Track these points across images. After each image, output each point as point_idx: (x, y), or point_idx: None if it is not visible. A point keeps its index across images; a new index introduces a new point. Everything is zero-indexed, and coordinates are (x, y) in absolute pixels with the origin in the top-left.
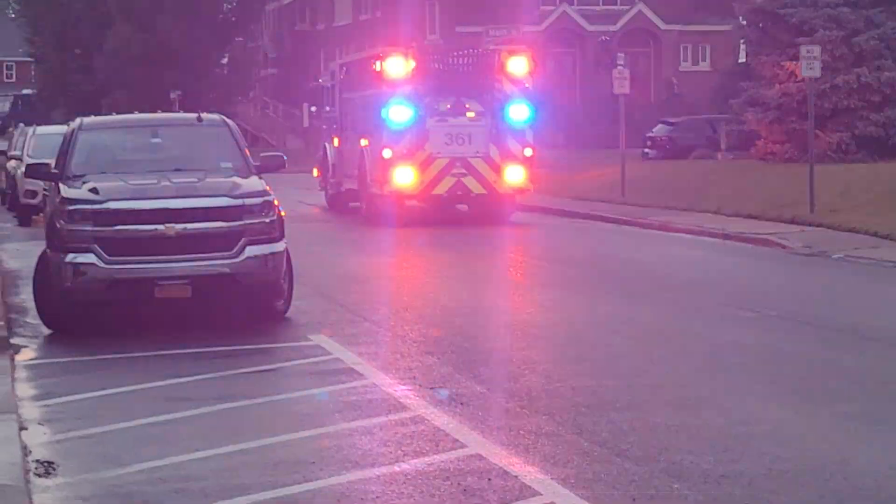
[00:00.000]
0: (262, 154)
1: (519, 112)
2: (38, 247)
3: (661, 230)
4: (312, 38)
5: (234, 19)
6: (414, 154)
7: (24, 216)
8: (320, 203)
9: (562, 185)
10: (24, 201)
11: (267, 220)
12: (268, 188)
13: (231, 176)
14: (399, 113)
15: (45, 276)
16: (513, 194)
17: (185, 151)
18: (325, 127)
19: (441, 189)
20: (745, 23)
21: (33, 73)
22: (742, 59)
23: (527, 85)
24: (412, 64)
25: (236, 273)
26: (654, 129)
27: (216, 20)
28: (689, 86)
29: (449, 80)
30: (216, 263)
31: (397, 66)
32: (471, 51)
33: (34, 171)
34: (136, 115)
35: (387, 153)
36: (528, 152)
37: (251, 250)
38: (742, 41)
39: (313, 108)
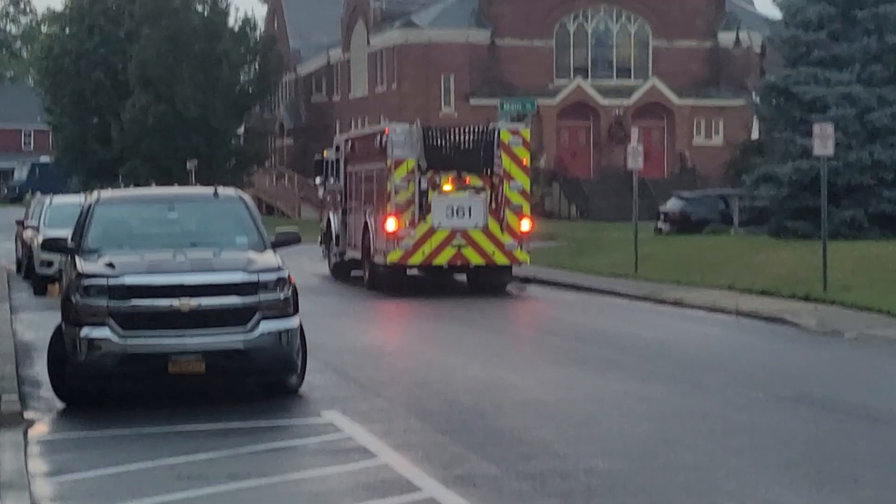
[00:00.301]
0: (277, 229)
1: (517, 187)
2: (53, 317)
3: (675, 306)
4: (328, 110)
5: (251, 90)
6: (416, 226)
7: (40, 286)
8: (324, 272)
9: (574, 259)
10: (40, 271)
11: (281, 296)
12: (282, 263)
13: (246, 251)
14: (402, 186)
15: (60, 349)
16: (510, 265)
17: (200, 226)
18: (329, 198)
19: (441, 259)
20: (758, 99)
21: (51, 141)
22: (755, 135)
23: (525, 161)
24: (416, 140)
25: (250, 349)
26: (667, 203)
27: (234, 91)
28: (702, 160)
29: (451, 155)
30: (230, 339)
31: (401, 142)
32: (472, 128)
33: (51, 244)
34: (153, 190)
35: (390, 225)
36: (526, 225)
37: (265, 326)
38: (755, 117)
39: (318, 180)
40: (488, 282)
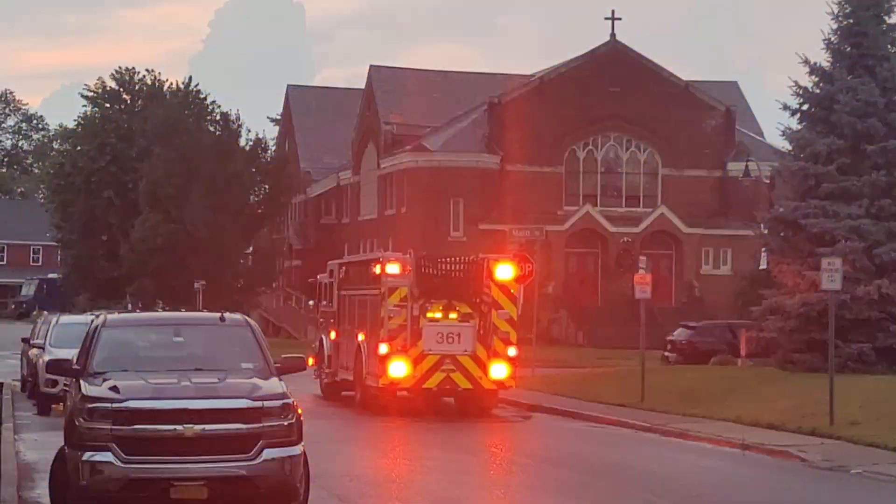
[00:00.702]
0: (283, 356)
1: (504, 315)
2: (57, 438)
3: (680, 438)
4: (337, 231)
5: (261, 211)
6: (407, 350)
7: (44, 405)
8: (315, 391)
9: (580, 387)
10: (44, 390)
11: (285, 423)
12: (287, 391)
13: (251, 377)
14: (395, 312)
15: (62, 472)
16: (496, 390)
17: (206, 351)
18: (321, 320)
19: (431, 383)
20: (766, 230)
21: (59, 257)
22: (763, 266)
23: (512, 290)
24: (409, 269)
25: (253, 476)
26: (674, 333)
27: (243, 211)
28: (710, 289)
29: (441, 284)
30: (233, 465)
31: (395, 270)
32: (461, 258)
33: (56, 367)
34: (159, 314)
35: (383, 349)
36: (513, 352)
37: (269, 453)
38: (763, 248)
39: (311, 302)
40: (475, 405)
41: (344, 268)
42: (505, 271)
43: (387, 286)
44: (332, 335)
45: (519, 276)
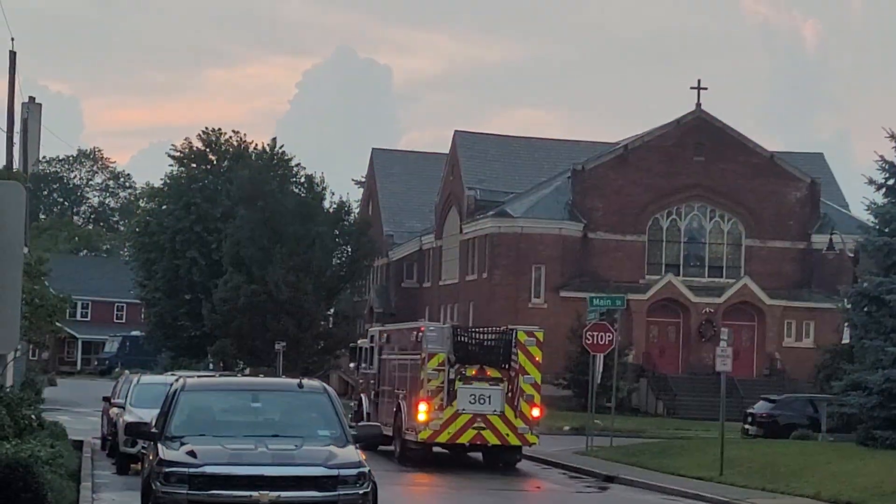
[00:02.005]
0: (360, 424)
1: (530, 380)
2: (134, 498)
3: None
4: (418, 295)
5: (342, 273)
6: (444, 409)
7: (123, 464)
8: None
9: (658, 458)
10: (124, 449)
11: (360, 492)
12: (363, 459)
13: (328, 444)
14: (433, 375)
15: None
16: (521, 446)
17: (284, 417)
18: (361, 381)
19: (464, 439)
20: (849, 304)
21: (143, 315)
22: (846, 340)
23: (538, 358)
24: (446, 337)
25: None
26: (755, 406)
27: (325, 274)
28: (792, 361)
29: (475, 351)
30: None
31: (434, 337)
32: (493, 328)
33: (133, 429)
34: (238, 379)
35: (422, 408)
36: (536, 413)
37: None
38: (846, 322)
39: (352, 365)
40: (501, 459)
41: (385, 335)
42: (532, 340)
43: (427, 352)
44: (372, 394)
45: (597, 346)
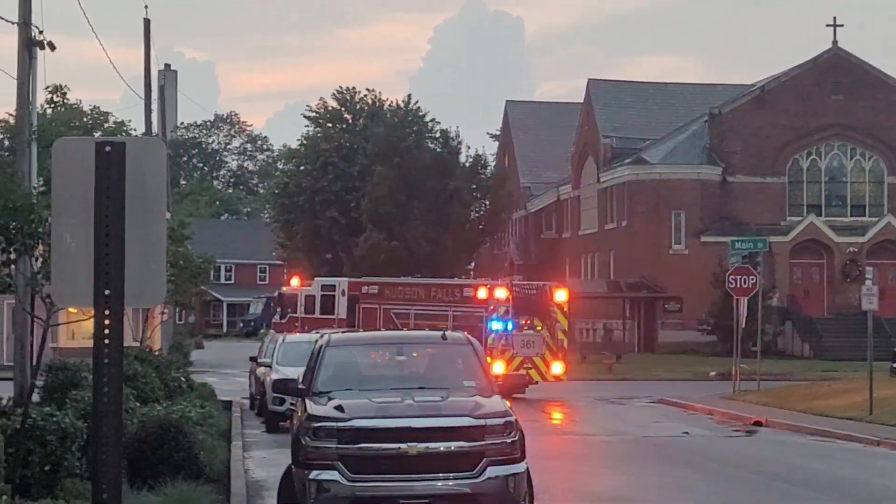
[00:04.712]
0: (505, 373)
1: (560, 327)
2: (284, 455)
3: None
4: (558, 246)
5: (481, 227)
6: (503, 353)
7: (272, 423)
8: None
9: (807, 400)
10: (272, 408)
11: (508, 441)
12: (509, 408)
13: (473, 395)
14: (498, 325)
15: (290, 490)
16: (553, 380)
17: (428, 370)
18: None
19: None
20: None
21: (285, 276)
22: None
23: (565, 309)
24: (506, 293)
25: (478, 494)
26: None
27: (464, 228)
28: None
29: (525, 305)
30: (457, 483)
31: (500, 294)
32: (535, 285)
33: (281, 386)
34: (382, 332)
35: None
36: (561, 356)
37: (492, 471)
38: None
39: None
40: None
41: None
42: (561, 295)
43: (493, 305)
44: None
45: (740, 290)
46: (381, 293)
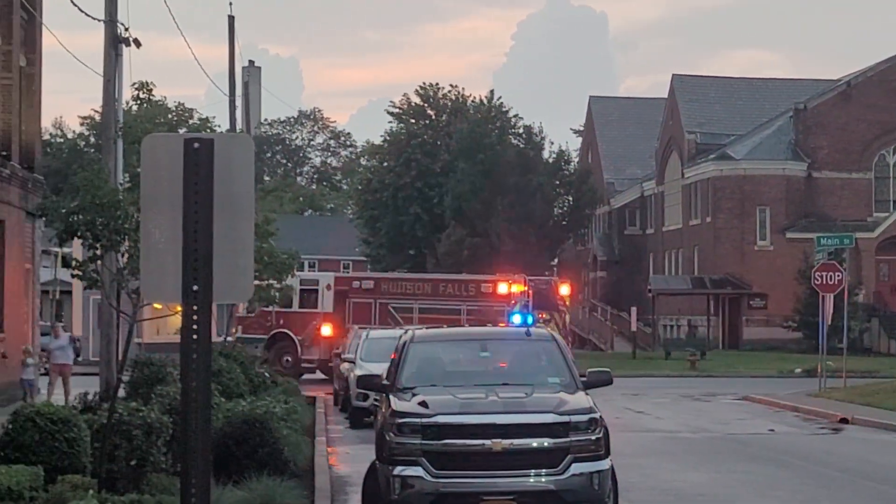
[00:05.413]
0: (589, 370)
1: (565, 318)
2: (368, 451)
3: None
4: (642, 242)
5: (564, 223)
6: None
7: (356, 418)
8: None
9: (893, 397)
10: (356, 404)
11: (593, 437)
12: (594, 405)
13: (558, 391)
14: (518, 319)
15: (374, 486)
16: None
17: (512, 366)
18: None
19: None
20: None
21: (368, 271)
22: None
23: (567, 302)
24: (526, 288)
25: (561, 490)
26: None
27: (547, 224)
28: None
29: (538, 297)
30: (542, 480)
31: (520, 289)
32: (545, 279)
33: (366, 382)
34: (466, 329)
35: None
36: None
37: (577, 467)
38: None
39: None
40: None
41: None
42: (565, 289)
43: (512, 299)
44: None
45: (826, 286)
46: (376, 288)
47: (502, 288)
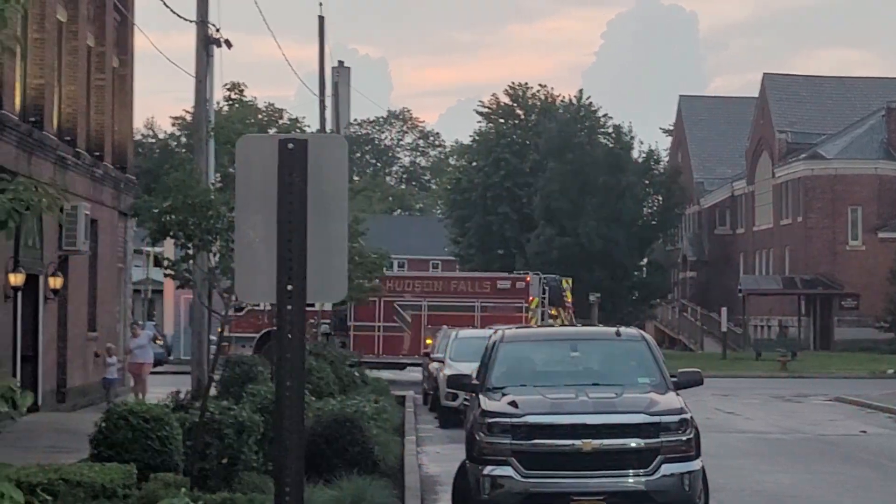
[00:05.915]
0: (679, 370)
1: (571, 315)
2: (458, 450)
3: None
4: (732, 242)
5: (654, 223)
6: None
7: (445, 418)
8: None
9: None
10: (445, 403)
11: (683, 438)
12: (685, 405)
13: (648, 392)
14: (534, 313)
15: (464, 485)
16: None
17: (602, 366)
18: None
19: None
20: None
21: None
22: None
23: (570, 299)
24: (539, 285)
25: (652, 491)
26: None
27: (637, 224)
28: None
29: (549, 295)
30: (631, 481)
31: (535, 286)
32: (553, 278)
33: (455, 382)
34: (556, 329)
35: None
36: None
37: (667, 468)
38: None
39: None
40: None
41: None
42: (568, 286)
43: (531, 296)
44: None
45: None
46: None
47: (521, 285)
